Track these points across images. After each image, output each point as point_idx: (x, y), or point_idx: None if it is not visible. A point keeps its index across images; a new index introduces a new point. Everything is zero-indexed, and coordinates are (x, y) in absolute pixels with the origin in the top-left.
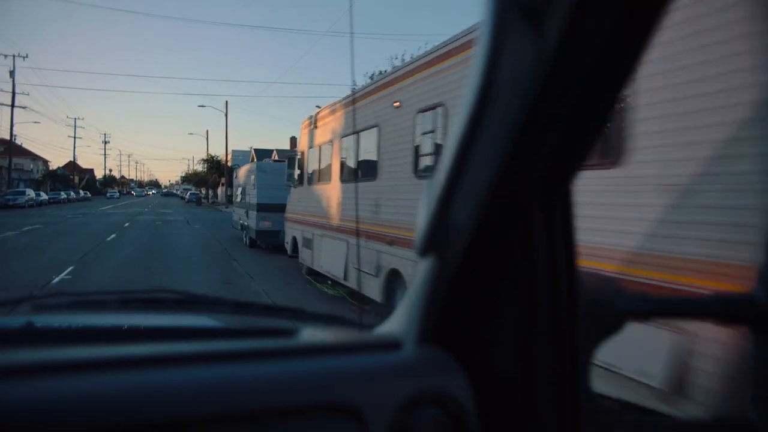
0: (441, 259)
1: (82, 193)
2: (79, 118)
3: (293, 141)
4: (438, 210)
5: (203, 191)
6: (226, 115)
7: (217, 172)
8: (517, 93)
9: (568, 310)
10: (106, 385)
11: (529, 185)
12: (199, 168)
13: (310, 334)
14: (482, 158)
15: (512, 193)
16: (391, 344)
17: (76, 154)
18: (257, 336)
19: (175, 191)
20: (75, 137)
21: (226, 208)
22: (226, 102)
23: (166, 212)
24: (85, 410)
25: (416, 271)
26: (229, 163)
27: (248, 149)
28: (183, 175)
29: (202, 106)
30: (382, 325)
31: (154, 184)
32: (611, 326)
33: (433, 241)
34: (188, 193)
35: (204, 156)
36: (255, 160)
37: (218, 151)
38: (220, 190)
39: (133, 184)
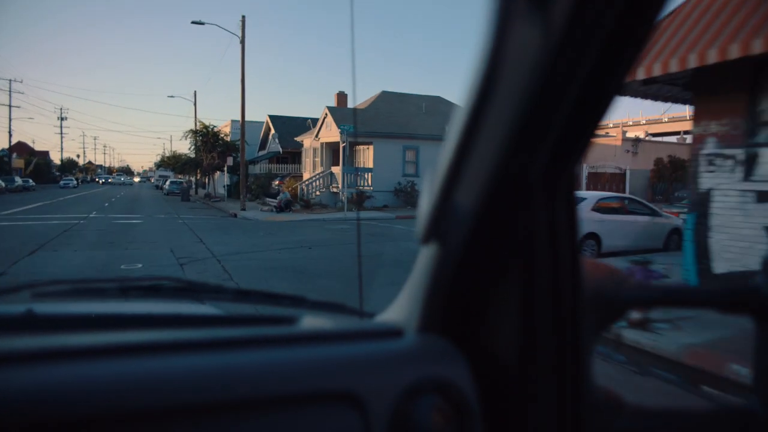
0: (443, 247)
1: (19, 181)
2: (15, 80)
3: (341, 98)
4: (440, 197)
5: (191, 179)
6: (243, 41)
7: (216, 149)
8: (522, 79)
9: (570, 298)
10: (106, 371)
11: (532, 172)
12: (186, 144)
13: (311, 322)
14: (485, 144)
15: (515, 180)
16: (392, 332)
17: (30, 135)
18: (258, 323)
19: (150, 179)
20: (11, 106)
21: (243, 209)
22: (243, 19)
23: (132, 219)
24: (85, 397)
25: (418, 258)
26: (228, 136)
27: (261, 120)
28: (159, 158)
29: (171, 96)
30: (384, 313)
31: (126, 170)
32: (613, 315)
33: (436, 229)
34: (167, 182)
35: (191, 126)
36: (273, 131)
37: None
38: (217, 178)
39: (100, 171)
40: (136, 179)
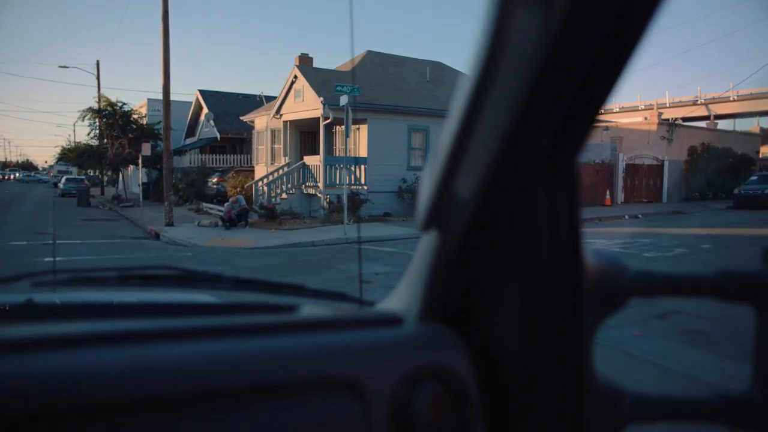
0: (443, 234)
1: None
2: None
3: (305, 63)
4: (441, 183)
5: (101, 176)
6: None
7: (127, 134)
8: (524, 65)
9: (572, 286)
10: (106, 359)
11: (533, 159)
12: (86, 128)
13: (311, 310)
14: (486, 130)
15: (516, 167)
16: (392, 320)
17: None
18: (257, 312)
19: (50, 176)
20: None
21: (169, 224)
22: None
23: None
24: (85, 384)
25: (418, 246)
26: (144, 118)
27: (188, 100)
28: (59, 152)
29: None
30: (384, 301)
31: (26, 166)
32: (615, 303)
33: (436, 216)
34: (63, 179)
35: (93, 104)
36: (206, 111)
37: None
38: (131, 174)
39: None
40: (16, 175)
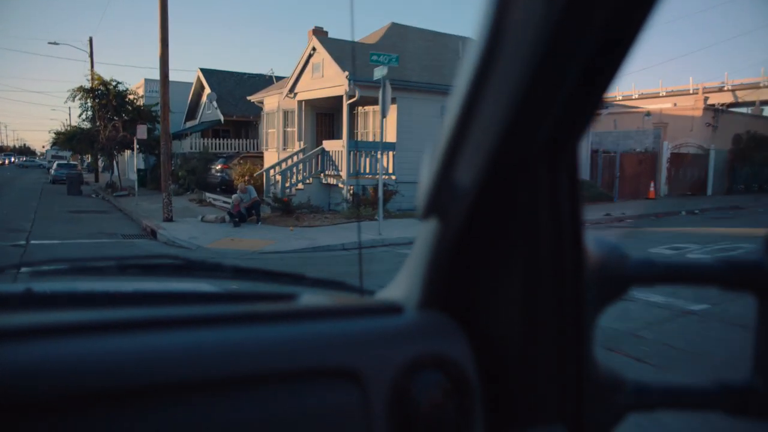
0: (443, 222)
1: None
2: None
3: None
4: (441, 170)
5: (97, 162)
6: None
7: (121, 115)
8: (525, 48)
9: (572, 274)
10: (105, 347)
11: (534, 146)
12: (76, 109)
13: (311, 299)
14: (487, 116)
15: (517, 154)
16: (391, 308)
17: None
18: (257, 301)
19: (44, 161)
20: None
21: (168, 219)
22: None
23: None
24: (84, 372)
25: (418, 234)
26: (141, 99)
27: (188, 81)
28: (54, 135)
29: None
30: (384, 290)
31: (24, 150)
32: (616, 291)
33: (436, 203)
34: (54, 165)
35: (86, 82)
36: (209, 91)
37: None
38: (127, 159)
39: None
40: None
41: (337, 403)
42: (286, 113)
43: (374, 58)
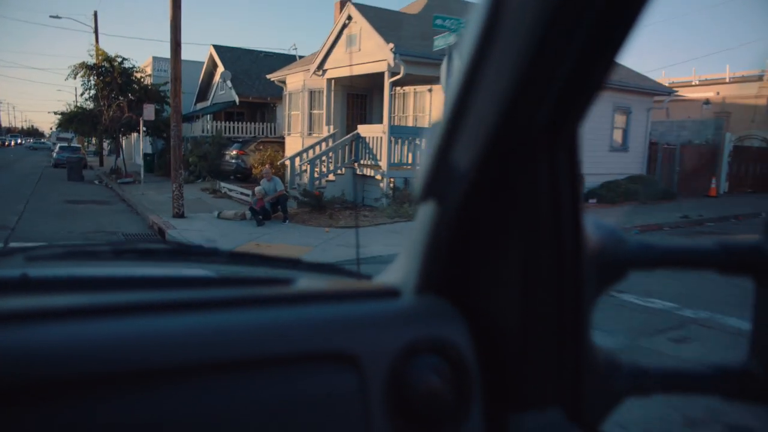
0: (442, 205)
1: None
2: None
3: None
4: (439, 152)
5: (95, 142)
6: None
7: (125, 93)
8: (525, 28)
9: (571, 258)
10: (101, 331)
11: (533, 128)
12: (78, 86)
13: (308, 283)
14: (486, 97)
15: (516, 136)
16: (389, 292)
17: None
18: (253, 285)
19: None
20: None
21: (179, 214)
22: None
23: None
24: (80, 356)
25: (417, 217)
26: (149, 78)
27: (200, 60)
28: (60, 115)
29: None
30: (382, 274)
31: (32, 132)
32: (614, 275)
33: (434, 185)
34: (56, 148)
35: (90, 59)
36: (222, 69)
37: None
38: (134, 143)
39: None
40: (16, 142)
41: (334, 387)
42: (312, 93)
43: (438, 22)
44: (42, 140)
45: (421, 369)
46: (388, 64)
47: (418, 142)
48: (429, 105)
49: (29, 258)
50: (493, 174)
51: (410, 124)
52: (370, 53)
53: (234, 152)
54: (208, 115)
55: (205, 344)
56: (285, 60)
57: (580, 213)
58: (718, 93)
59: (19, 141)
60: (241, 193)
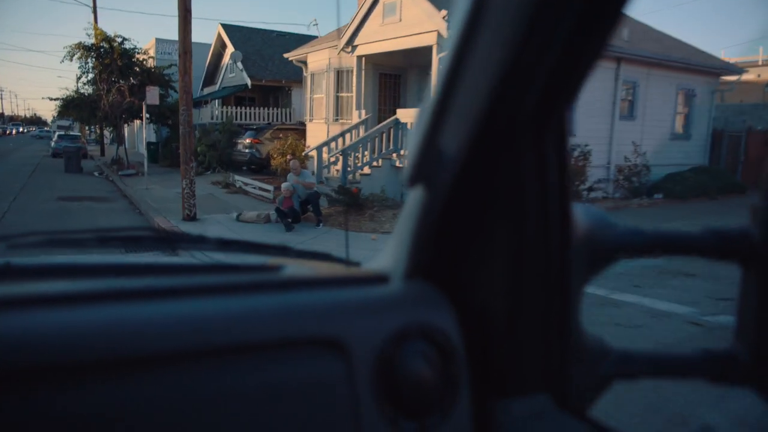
0: (430, 190)
1: None
2: None
3: None
4: (427, 136)
5: (98, 131)
6: None
7: (126, 76)
8: (513, 12)
9: (559, 243)
10: (85, 318)
11: (522, 113)
12: (76, 68)
13: (295, 270)
14: (474, 81)
15: (504, 121)
16: (377, 278)
17: None
18: (241, 272)
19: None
20: None
21: (190, 216)
22: None
23: None
24: (64, 343)
25: (405, 203)
26: (152, 61)
27: (206, 42)
28: (56, 101)
29: None
30: (370, 260)
31: (34, 120)
32: (602, 261)
33: (422, 170)
34: (55, 137)
35: (88, 39)
36: (233, 50)
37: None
38: (136, 131)
39: None
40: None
41: (322, 372)
42: (339, 74)
43: None
44: (46, 129)
45: (409, 354)
46: (439, 35)
47: None
48: None
49: (11, 246)
50: (482, 159)
51: None
52: (413, 24)
53: (247, 141)
54: (216, 101)
55: (191, 331)
56: (300, 40)
57: (568, 198)
58: (759, 75)
59: (21, 129)
60: (260, 189)
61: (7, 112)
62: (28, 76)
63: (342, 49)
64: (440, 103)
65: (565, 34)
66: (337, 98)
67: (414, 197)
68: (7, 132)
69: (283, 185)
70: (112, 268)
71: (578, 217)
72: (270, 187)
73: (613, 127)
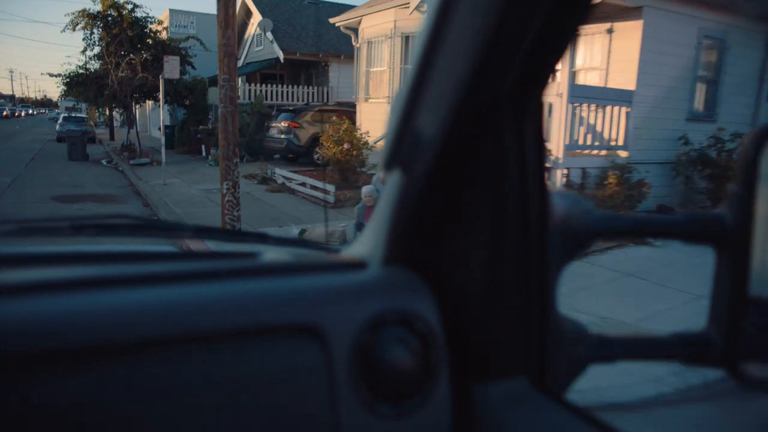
0: (407, 174)
1: None
2: None
3: None
4: (404, 119)
5: (108, 113)
6: None
7: (137, 49)
8: None
9: (538, 227)
10: (60, 306)
11: (499, 94)
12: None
13: (272, 256)
14: (450, 64)
15: (482, 103)
16: (355, 264)
17: None
18: (218, 259)
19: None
20: None
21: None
22: None
23: None
24: (37, 332)
25: (384, 188)
26: (165, 32)
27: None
28: (62, 78)
29: None
30: (349, 247)
31: (45, 102)
32: (580, 245)
33: (399, 154)
34: (60, 119)
35: (93, 5)
36: (258, 16)
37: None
38: (149, 111)
39: (3, 102)
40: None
41: (299, 359)
42: (407, 40)
43: None
44: (57, 110)
45: (387, 341)
46: None
47: (600, 110)
48: (607, 54)
49: None
50: (460, 142)
51: (580, 81)
52: None
53: (283, 124)
54: (240, 78)
55: (169, 317)
56: (337, 9)
57: (546, 182)
58: None
59: (30, 111)
60: (313, 187)
61: (18, 94)
62: (38, 55)
63: (416, 8)
64: (416, 86)
65: (540, 20)
66: (402, 71)
67: (391, 182)
68: (16, 114)
69: (365, 189)
70: (85, 256)
71: (555, 201)
72: (330, 187)
73: (758, 109)
